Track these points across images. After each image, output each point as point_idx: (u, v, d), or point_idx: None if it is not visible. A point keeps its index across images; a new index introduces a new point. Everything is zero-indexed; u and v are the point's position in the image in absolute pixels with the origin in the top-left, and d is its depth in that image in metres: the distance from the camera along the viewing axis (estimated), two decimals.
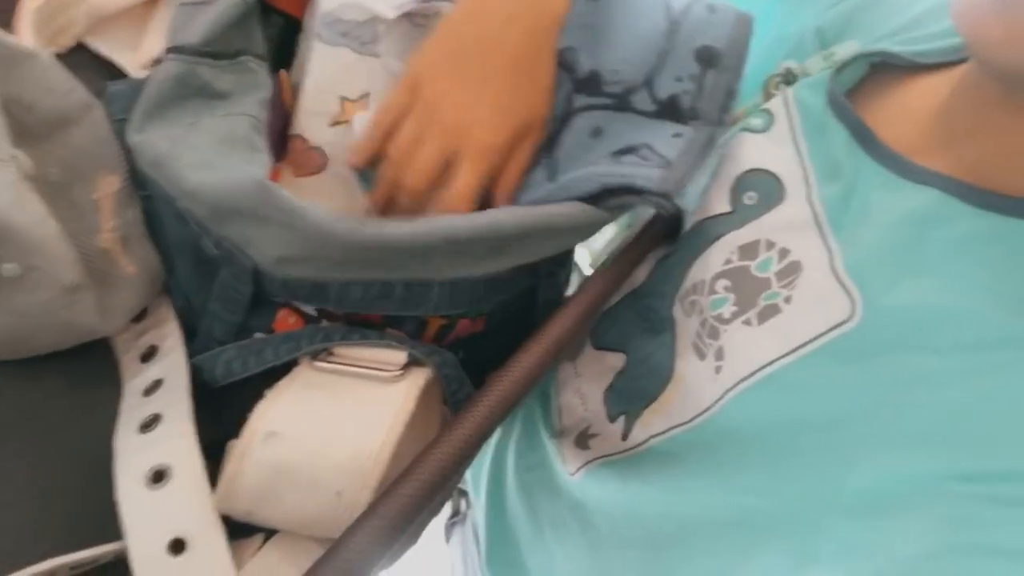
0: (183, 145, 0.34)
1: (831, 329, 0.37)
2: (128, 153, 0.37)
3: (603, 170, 0.37)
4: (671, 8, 0.39)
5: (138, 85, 0.38)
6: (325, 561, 0.27)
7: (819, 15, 0.50)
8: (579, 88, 0.39)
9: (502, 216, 0.35)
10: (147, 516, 0.30)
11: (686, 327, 0.43)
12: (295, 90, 0.41)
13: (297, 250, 0.33)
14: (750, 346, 0.39)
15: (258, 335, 0.38)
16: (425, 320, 0.40)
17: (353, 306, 0.36)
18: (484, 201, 0.39)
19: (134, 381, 0.36)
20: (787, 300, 0.39)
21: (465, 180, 0.38)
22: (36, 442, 0.33)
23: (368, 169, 0.41)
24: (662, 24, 0.39)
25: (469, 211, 0.38)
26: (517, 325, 0.44)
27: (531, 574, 0.50)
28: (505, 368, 0.34)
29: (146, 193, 0.38)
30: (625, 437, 0.45)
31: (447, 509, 0.68)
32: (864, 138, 0.41)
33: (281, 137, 0.41)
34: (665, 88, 0.38)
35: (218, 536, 0.30)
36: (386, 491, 0.29)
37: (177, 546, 0.30)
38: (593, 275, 0.42)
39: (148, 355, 0.38)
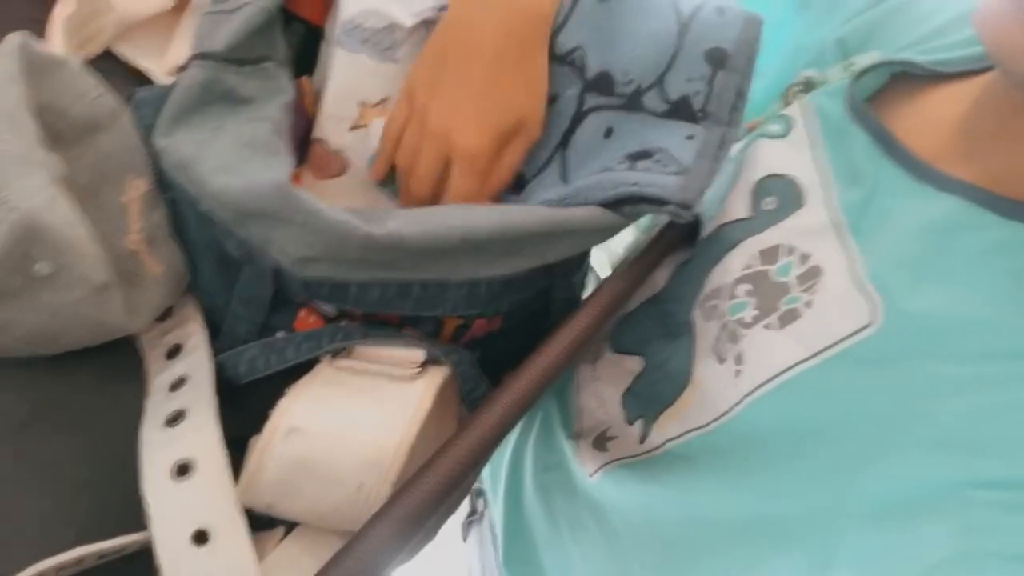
0: (207, 149, 0.35)
1: (852, 334, 0.37)
2: (154, 157, 0.38)
3: (620, 177, 0.37)
4: (680, 10, 0.40)
5: (164, 91, 0.39)
6: (344, 553, 0.27)
7: (840, 26, 0.50)
8: (590, 88, 0.39)
9: (517, 216, 0.35)
10: (172, 507, 0.31)
11: (705, 331, 0.44)
12: (316, 95, 0.42)
13: (317, 250, 0.33)
14: (770, 350, 0.39)
15: (280, 334, 0.39)
16: (442, 320, 0.40)
17: (372, 306, 0.37)
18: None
19: (159, 378, 0.37)
20: (808, 305, 0.39)
21: (457, 185, 0.39)
22: (65, 435, 0.34)
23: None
24: (672, 25, 0.39)
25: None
26: (533, 325, 0.45)
27: (548, 573, 0.50)
28: (522, 367, 0.34)
29: (171, 196, 0.39)
30: (643, 440, 0.45)
31: (464, 508, 0.69)
32: (886, 144, 0.41)
33: (302, 141, 0.42)
34: (676, 88, 0.38)
35: (240, 528, 0.31)
36: (404, 486, 0.29)
37: (201, 537, 0.30)
38: (610, 277, 0.42)
39: (173, 353, 0.38)
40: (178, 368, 0.37)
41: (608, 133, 0.39)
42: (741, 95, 0.39)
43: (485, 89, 0.38)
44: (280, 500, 0.32)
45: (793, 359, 0.38)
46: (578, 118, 0.39)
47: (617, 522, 0.44)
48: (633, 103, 0.39)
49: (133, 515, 0.31)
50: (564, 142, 0.40)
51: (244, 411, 0.35)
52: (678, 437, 0.43)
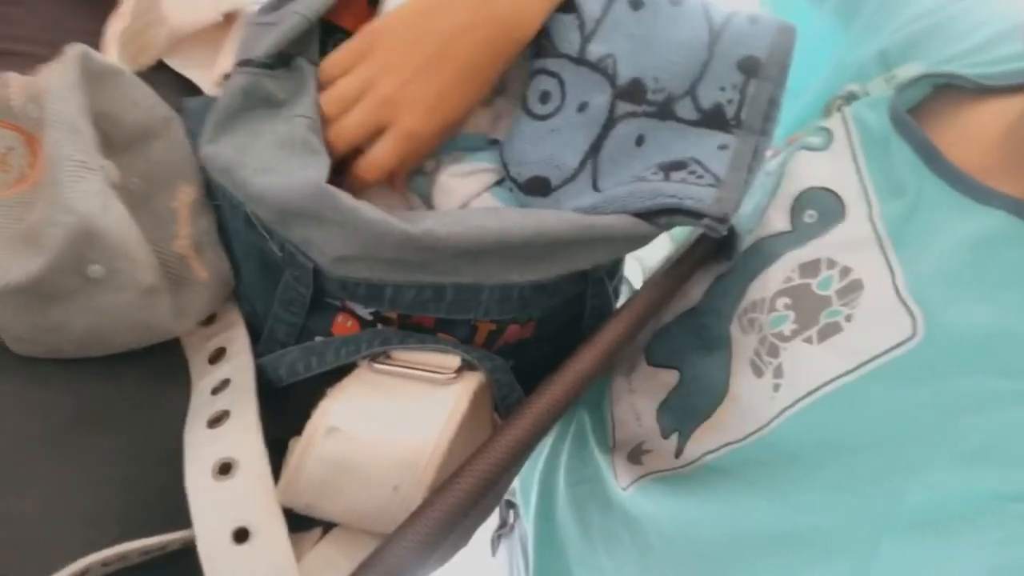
0: (248, 152, 0.36)
1: (893, 348, 0.36)
2: (202, 164, 0.39)
3: (656, 187, 0.37)
4: (712, 19, 0.40)
5: (213, 101, 0.40)
6: (377, 556, 0.27)
7: (883, 39, 0.50)
8: (621, 95, 0.39)
9: (551, 222, 0.35)
10: (214, 506, 0.31)
11: (743, 345, 0.43)
12: None
13: (354, 249, 0.34)
14: (810, 364, 0.39)
15: (319, 338, 0.39)
16: (475, 325, 0.40)
17: (407, 308, 0.37)
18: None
19: (203, 380, 0.38)
20: (848, 318, 0.38)
21: (383, 155, 0.38)
22: (112, 434, 0.35)
23: (418, 176, 0.42)
24: (703, 34, 0.39)
25: (377, 183, 0.39)
26: (565, 333, 0.45)
27: None
28: (556, 374, 0.34)
29: (216, 202, 0.40)
30: (678, 455, 0.45)
31: (494, 519, 0.68)
32: (929, 156, 0.41)
33: None
34: (709, 97, 0.38)
35: (280, 527, 0.31)
36: (439, 488, 0.29)
37: (241, 535, 0.31)
38: (644, 286, 0.42)
39: (216, 356, 0.39)
40: (222, 371, 0.38)
41: (640, 141, 0.39)
42: (774, 104, 0.38)
43: (449, 87, 0.38)
44: (319, 500, 0.33)
45: (833, 373, 0.37)
46: (609, 125, 0.40)
47: (652, 536, 0.44)
48: (665, 111, 0.39)
49: (176, 513, 0.32)
50: (595, 149, 0.40)
51: (284, 414, 0.36)
52: (715, 451, 0.42)
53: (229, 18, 0.45)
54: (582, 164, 0.40)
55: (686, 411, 0.45)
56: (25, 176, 0.34)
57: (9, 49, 0.41)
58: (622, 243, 0.38)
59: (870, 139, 0.44)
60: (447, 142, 0.41)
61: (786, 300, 0.41)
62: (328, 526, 0.36)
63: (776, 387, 0.40)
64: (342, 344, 0.38)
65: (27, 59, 0.37)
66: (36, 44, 0.40)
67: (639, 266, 0.70)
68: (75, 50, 0.35)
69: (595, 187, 0.39)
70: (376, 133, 0.38)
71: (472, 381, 0.36)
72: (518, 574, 0.63)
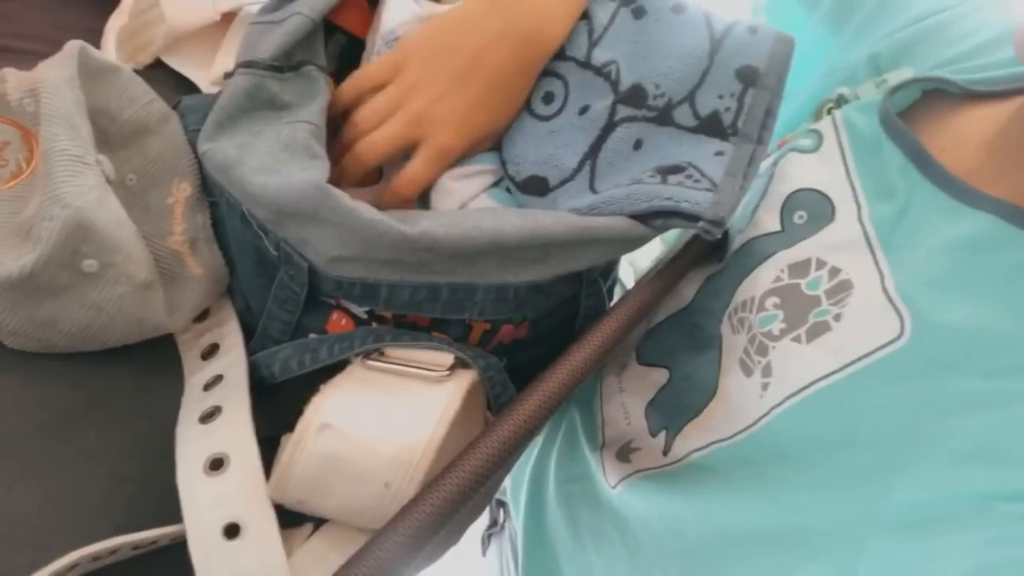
0: (248, 151, 0.36)
1: (880, 348, 0.37)
2: (199, 161, 0.39)
3: (653, 190, 0.37)
4: (713, 28, 0.40)
5: (210, 99, 0.40)
6: (368, 549, 0.28)
7: (874, 44, 0.50)
8: (622, 100, 0.40)
9: (547, 222, 0.36)
10: (205, 501, 0.32)
11: (733, 344, 0.44)
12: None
13: (351, 250, 0.34)
14: (799, 363, 0.39)
15: (313, 335, 0.40)
16: (470, 324, 0.41)
17: (402, 307, 0.38)
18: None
19: (196, 376, 0.38)
20: (837, 318, 0.39)
21: (419, 171, 0.40)
22: (103, 429, 0.35)
23: None
24: (704, 42, 0.40)
25: (414, 198, 0.40)
26: (559, 334, 0.45)
27: None
28: (547, 373, 0.35)
29: (213, 199, 0.40)
30: (666, 452, 0.45)
31: (484, 519, 0.69)
32: (920, 160, 0.41)
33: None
34: (707, 104, 0.39)
35: (271, 523, 0.31)
36: (430, 484, 0.29)
37: (232, 531, 0.31)
38: (636, 286, 0.42)
39: (209, 352, 0.39)
40: (214, 367, 0.38)
41: (638, 145, 0.40)
42: (771, 113, 0.39)
43: (480, 102, 0.40)
44: (310, 496, 0.33)
45: (821, 371, 0.38)
46: (608, 128, 0.40)
47: (640, 534, 0.44)
48: (664, 117, 0.40)
49: (167, 508, 0.32)
50: (594, 151, 0.40)
51: (276, 410, 0.36)
52: (702, 448, 0.42)
53: (227, 17, 0.45)
54: (580, 165, 0.40)
55: (675, 409, 0.46)
56: (21, 170, 0.35)
57: (8, 46, 0.41)
58: (618, 245, 0.39)
59: (860, 142, 0.45)
60: None
61: (775, 300, 0.42)
62: (319, 522, 0.36)
63: (764, 386, 0.40)
64: (335, 341, 0.38)
65: (26, 56, 0.37)
66: (35, 41, 0.41)
67: (631, 269, 0.71)
68: (73, 46, 0.35)
69: (592, 189, 0.40)
70: (407, 147, 0.40)
71: (465, 379, 0.36)
72: (508, 573, 0.63)
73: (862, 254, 0.40)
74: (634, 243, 0.39)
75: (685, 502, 0.42)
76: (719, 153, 0.38)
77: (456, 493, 0.28)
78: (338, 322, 0.40)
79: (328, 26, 0.43)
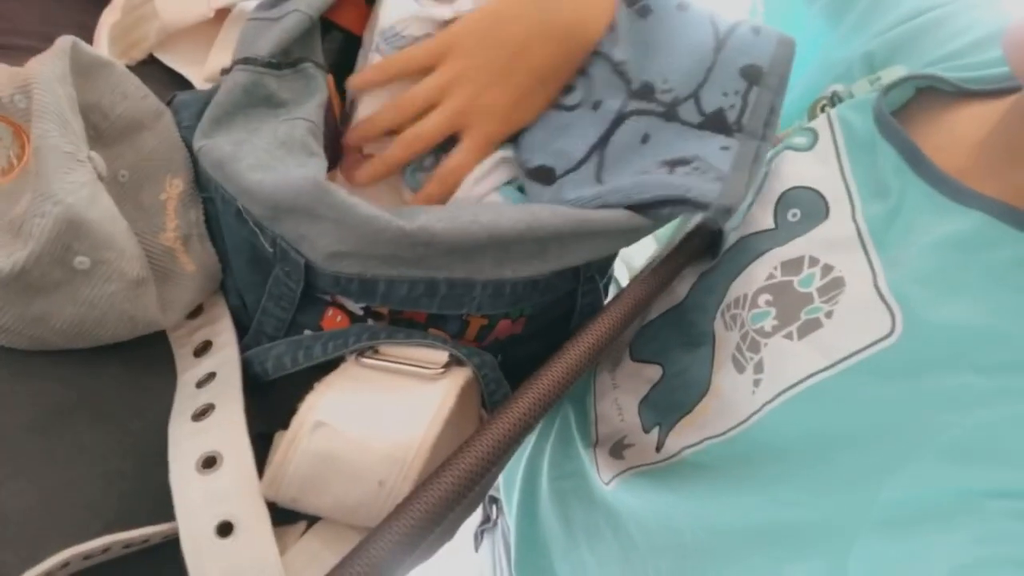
0: (244, 148, 0.36)
1: (871, 344, 0.37)
2: (193, 157, 0.39)
3: (662, 180, 0.38)
4: (717, 27, 0.41)
5: (205, 95, 0.40)
6: (362, 548, 0.28)
7: (869, 41, 0.50)
8: (633, 95, 0.41)
9: (544, 216, 0.36)
10: (197, 499, 0.31)
11: (726, 340, 0.44)
12: (354, 102, 0.43)
13: (349, 246, 0.34)
14: (790, 359, 0.39)
15: (307, 332, 0.39)
16: (466, 320, 0.41)
17: (399, 303, 0.38)
18: None
19: (188, 373, 0.38)
20: (829, 315, 0.39)
21: (464, 159, 0.41)
22: (95, 427, 0.34)
23: (416, 172, 0.42)
24: (709, 40, 0.40)
25: (457, 186, 0.41)
26: (555, 330, 0.45)
27: None
28: (542, 370, 0.35)
29: (207, 195, 0.40)
30: (659, 448, 0.45)
31: (477, 516, 0.69)
32: (914, 159, 0.42)
33: (333, 143, 0.43)
34: (712, 101, 0.40)
35: (264, 521, 0.31)
36: (424, 482, 0.29)
37: (225, 529, 0.31)
38: (631, 284, 0.42)
39: (202, 349, 0.39)
40: (207, 364, 0.38)
41: (645, 139, 0.41)
42: (774, 112, 0.40)
43: (523, 94, 0.41)
44: (304, 494, 0.33)
45: (812, 368, 0.38)
46: (617, 120, 0.41)
47: (633, 530, 0.44)
48: (670, 113, 0.40)
49: (159, 506, 0.32)
50: (603, 142, 0.41)
51: (270, 408, 0.36)
52: (695, 445, 0.43)
53: (220, 14, 0.45)
54: (588, 155, 0.41)
55: (668, 405, 0.46)
56: (12, 167, 0.34)
57: (1, 43, 0.41)
58: (615, 237, 0.39)
59: (854, 141, 0.45)
60: None
61: (768, 297, 0.42)
62: (312, 520, 0.36)
63: (756, 382, 0.40)
64: (329, 338, 0.38)
65: (19, 52, 0.36)
66: (28, 37, 0.40)
67: (625, 268, 0.71)
68: (65, 41, 0.35)
69: (599, 179, 0.40)
70: (450, 136, 0.41)
71: (460, 377, 0.36)
72: (501, 570, 0.63)
73: (855, 252, 0.40)
74: (632, 235, 0.39)
75: (678, 498, 0.43)
76: (725, 148, 0.39)
77: (450, 491, 0.28)
78: (333, 319, 0.40)
79: (325, 23, 0.42)
